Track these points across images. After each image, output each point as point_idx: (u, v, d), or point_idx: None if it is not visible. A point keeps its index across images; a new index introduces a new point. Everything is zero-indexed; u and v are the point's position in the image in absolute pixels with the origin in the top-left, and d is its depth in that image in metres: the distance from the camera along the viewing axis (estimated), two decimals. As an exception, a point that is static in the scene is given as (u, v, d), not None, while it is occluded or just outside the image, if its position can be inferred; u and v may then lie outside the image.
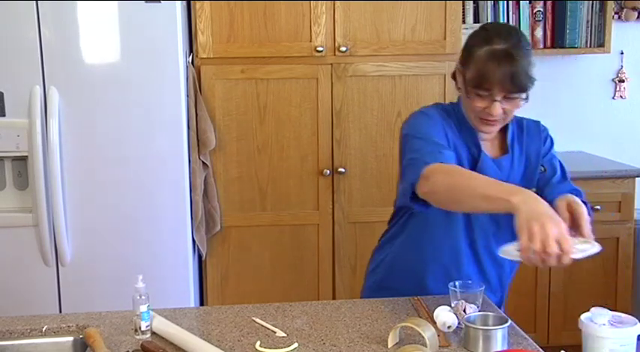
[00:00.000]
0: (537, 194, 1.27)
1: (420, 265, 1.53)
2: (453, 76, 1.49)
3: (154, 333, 1.30)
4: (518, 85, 1.35)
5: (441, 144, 1.39)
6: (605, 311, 1.25)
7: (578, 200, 1.34)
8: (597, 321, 1.23)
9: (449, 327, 1.28)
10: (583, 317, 1.24)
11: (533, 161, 1.54)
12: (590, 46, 2.90)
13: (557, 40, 2.91)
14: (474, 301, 1.34)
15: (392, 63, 2.53)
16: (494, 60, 1.35)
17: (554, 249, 1.10)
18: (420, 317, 1.36)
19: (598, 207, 2.69)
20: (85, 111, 2.25)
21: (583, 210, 1.30)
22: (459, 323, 1.29)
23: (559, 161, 1.57)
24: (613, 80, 3.11)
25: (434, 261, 1.51)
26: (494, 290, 1.55)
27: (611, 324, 1.22)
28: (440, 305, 1.33)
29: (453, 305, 1.34)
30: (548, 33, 2.91)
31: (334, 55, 2.50)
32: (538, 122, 1.58)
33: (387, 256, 1.59)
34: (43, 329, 1.34)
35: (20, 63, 2.20)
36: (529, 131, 1.55)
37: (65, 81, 2.22)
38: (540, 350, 1.24)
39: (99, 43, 2.24)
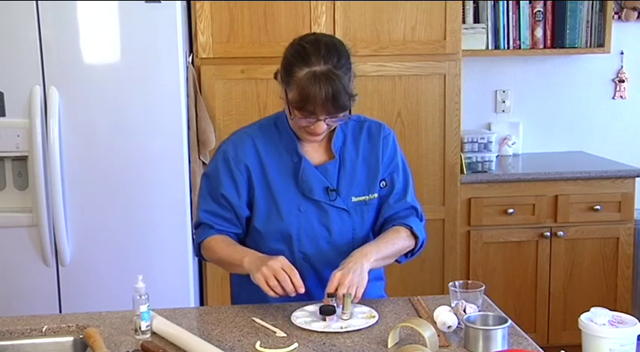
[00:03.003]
0: (376, 207, 1.50)
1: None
2: (275, 77, 1.46)
3: (154, 333, 1.30)
4: (340, 106, 1.35)
5: (208, 216, 1.49)
6: (605, 311, 1.24)
7: (348, 274, 1.33)
8: (597, 321, 1.22)
9: (449, 327, 1.28)
10: (583, 317, 1.24)
11: (374, 166, 1.51)
12: (590, 46, 2.89)
13: (557, 40, 2.90)
14: (474, 301, 1.34)
15: (392, 63, 2.53)
16: (316, 84, 1.33)
17: (281, 274, 1.32)
18: (420, 317, 1.36)
19: (598, 207, 2.69)
20: (85, 111, 2.25)
21: (331, 282, 1.34)
22: (459, 323, 1.29)
23: (403, 172, 1.54)
24: (613, 80, 3.11)
25: None
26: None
27: (611, 324, 1.22)
28: (440, 305, 1.33)
29: (453, 305, 1.34)
30: (548, 33, 2.91)
31: (334, 55, 2.50)
32: (380, 124, 1.55)
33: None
34: (43, 329, 1.34)
35: (20, 63, 2.20)
36: (370, 134, 1.53)
37: (65, 81, 2.22)
38: (540, 350, 1.24)
39: (99, 43, 2.24)
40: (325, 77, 1.33)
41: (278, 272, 1.32)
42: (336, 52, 1.38)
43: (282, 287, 1.32)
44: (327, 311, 1.33)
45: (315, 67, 1.34)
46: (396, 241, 1.47)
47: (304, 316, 1.36)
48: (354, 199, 1.49)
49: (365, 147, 1.51)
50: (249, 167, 1.48)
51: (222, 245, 1.47)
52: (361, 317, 1.35)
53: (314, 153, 1.49)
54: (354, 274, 1.34)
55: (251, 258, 1.40)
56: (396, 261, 1.51)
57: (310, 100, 1.34)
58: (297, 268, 1.42)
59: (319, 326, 1.32)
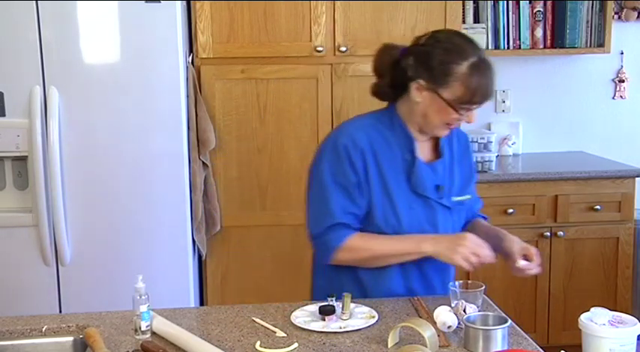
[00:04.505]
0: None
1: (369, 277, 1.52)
2: (375, 93, 1.49)
3: (153, 333, 1.30)
4: (491, 93, 1.40)
5: (342, 214, 1.44)
6: (605, 311, 1.24)
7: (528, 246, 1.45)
8: (597, 321, 1.22)
9: (449, 327, 1.28)
10: (583, 317, 1.24)
11: (467, 168, 1.56)
12: (590, 46, 2.89)
13: (557, 40, 2.90)
14: (474, 301, 1.34)
15: (392, 63, 2.54)
16: (481, 74, 1.36)
17: (479, 250, 1.38)
18: (420, 317, 1.36)
19: (598, 207, 2.69)
20: (84, 111, 2.25)
21: (533, 251, 1.46)
22: (458, 323, 1.29)
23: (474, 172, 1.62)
24: (613, 80, 3.11)
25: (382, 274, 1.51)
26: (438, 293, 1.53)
27: (611, 324, 1.22)
28: (440, 305, 1.32)
29: (453, 305, 1.34)
30: (548, 33, 2.90)
31: (334, 55, 2.50)
32: (461, 130, 1.59)
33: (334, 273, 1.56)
34: (43, 329, 1.34)
35: (20, 63, 2.20)
36: (459, 137, 1.57)
37: (65, 81, 2.22)
38: (540, 350, 1.24)
39: (99, 43, 2.24)
40: (485, 65, 1.37)
41: (475, 249, 1.37)
42: (474, 41, 1.42)
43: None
44: (326, 311, 1.34)
45: (472, 59, 1.36)
46: None
47: (304, 316, 1.36)
48: (454, 199, 1.52)
49: (457, 149, 1.55)
50: (367, 163, 1.45)
51: (376, 240, 1.44)
52: (361, 317, 1.35)
53: (423, 151, 1.51)
54: None
55: (433, 241, 1.41)
56: None
57: (478, 91, 1.36)
58: (402, 266, 1.47)
59: (318, 325, 1.32)
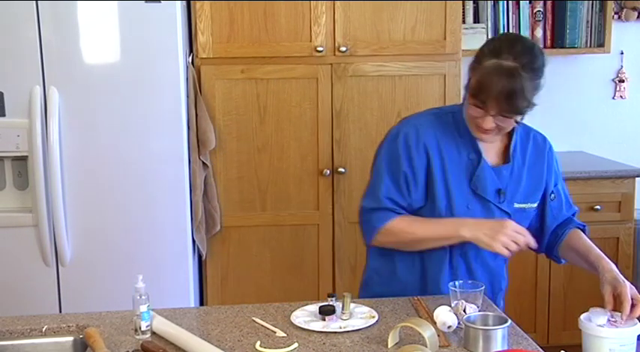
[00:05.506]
0: (539, 216, 1.55)
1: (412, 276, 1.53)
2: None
3: (153, 333, 1.30)
4: (513, 106, 1.34)
5: (387, 201, 1.47)
6: (605, 311, 1.26)
7: (621, 282, 1.35)
8: (597, 321, 1.23)
9: (449, 327, 1.28)
10: (583, 317, 1.25)
11: (537, 177, 1.52)
12: (590, 46, 2.89)
13: (557, 40, 2.90)
14: (474, 301, 1.34)
15: (392, 63, 2.53)
16: (497, 75, 1.33)
17: (519, 237, 1.37)
18: (420, 317, 1.36)
19: (598, 207, 2.69)
20: (84, 111, 2.25)
21: (624, 293, 1.33)
22: (458, 323, 1.29)
23: (562, 181, 1.59)
24: (613, 80, 3.11)
25: (427, 273, 1.52)
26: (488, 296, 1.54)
27: (610, 324, 1.23)
28: (440, 305, 1.32)
29: (453, 305, 1.34)
30: (548, 33, 2.90)
31: (334, 55, 2.50)
32: (544, 137, 1.57)
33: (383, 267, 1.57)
34: (43, 329, 1.34)
35: (20, 63, 2.20)
36: (536, 144, 1.54)
37: (65, 81, 2.22)
38: (540, 350, 1.24)
39: (99, 43, 2.24)
40: (508, 72, 1.32)
41: (515, 237, 1.35)
42: (531, 54, 1.36)
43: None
44: (326, 311, 1.33)
45: (504, 61, 1.33)
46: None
47: (304, 315, 1.36)
48: (516, 205, 1.50)
49: (531, 156, 1.52)
50: (430, 157, 1.46)
51: (416, 224, 1.46)
52: (361, 317, 1.35)
53: (489, 153, 1.48)
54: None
55: (473, 226, 1.39)
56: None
57: (485, 90, 1.33)
58: (452, 263, 1.48)
59: (318, 325, 1.32)
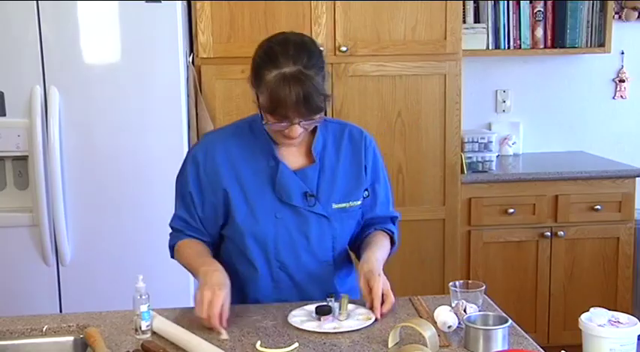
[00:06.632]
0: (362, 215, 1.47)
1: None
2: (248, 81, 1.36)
3: (154, 333, 1.29)
4: (313, 107, 1.29)
5: (177, 221, 1.48)
6: (605, 311, 1.24)
7: (375, 274, 1.33)
8: (597, 321, 1.22)
9: (449, 327, 1.28)
10: (583, 317, 1.24)
11: (356, 173, 1.46)
12: (590, 46, 2.88)
13: (558, 40, 2.89)
14: (475, 301, 1.34)
15: (392, 63, 2.52)
16: (285, 86, 1.26)
17: (202, 310, 1.28)
18: (421, 316, 1.36)
19: (598, 207, 2.69)
20: (85, 110, 2.24)
21: (376, 287, 1.33)
22: (459, 323, 1.28)
23: (384, 181, 1.51)
24: (613, 80, 3.10)
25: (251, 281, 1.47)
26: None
27: (611, 324, 1.22)
28: (440, 305, 1.32)
29: (453, 304, 1.33)
30: (549, 33, 2.90)
31: (334, 54, 2.49)
32: (362, 131, 1.50)
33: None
34: (44, 329, 1.34)
35: (20, 63, 2.20)
36: (352, 139, 1.48)
37: (65, 80, 2.22)
38: (541, 349, 1.23)
39: (99, 43, 2.24)
40: (295, 78, 1.27)
41: (201, 303, 1.28)
42: (305, 51, 1.31)
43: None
44: (322, 311, 1.33)
45: (284, 69, 1.27)
46: (386, 247, 1.47)
47: (301, 315, 1.36)
48: (334, 206, 1.43)
49: (347, 152, 1.46)
50: (221, 175, 1.41)
51: (188, 251, 1.46)
52: (358, 318, 1.34)
53: (291, 157, 1.43)
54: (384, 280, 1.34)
55: (206, 269, 1.34)
56: None
57: (281, 104, 1.27)
58: (273, 278, 1.43)
59: (312, 325, 1.31)
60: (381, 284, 1.34)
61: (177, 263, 1.52)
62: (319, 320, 1.33)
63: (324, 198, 1.43)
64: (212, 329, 1.29)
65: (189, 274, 2.51)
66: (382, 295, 1.34)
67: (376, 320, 1.33)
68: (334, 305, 1.35)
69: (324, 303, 1.35)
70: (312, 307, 1.38)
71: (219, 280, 1.33)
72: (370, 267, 1.35)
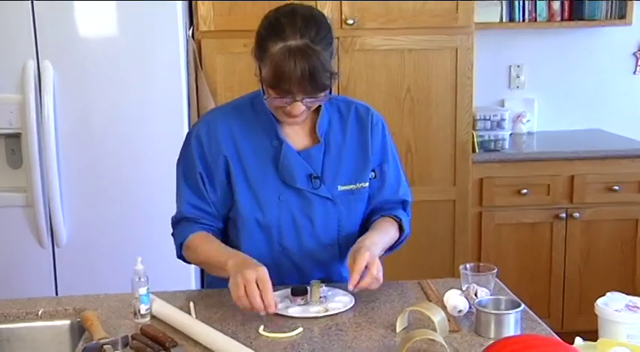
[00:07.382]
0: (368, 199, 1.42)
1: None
2: (251, 53, 1.31)
3: (153, 317, 1.27)
4: (318, 84, 1.24)
5: (189, 209, 1.39)
6: (622, 295, 1.22)
7: (363, 251, 1.27)
8: (613, 306, 1.19)
9: (459, 311, 1.26)
10: (599, 301, 1.21)
11: (363, 153, 1.41)
12: (610, 18, 2.82)
13: (576, 12, 2.83)
14: (486, 284, 1.31)
15: (401, 36, 2.47)
16: (291, 60, 1.21)
17: (251, 286, 1.20)
18: (430, 300, 1.33)
19: (616, 187, 2.65)
20: (80, 86, 2.22)
21: (360, 259, 1.27)
22: (470, 308, 1.26)
23: (394, 162, 1.45)
24: (634, 54, 3.02)
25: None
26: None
27: (629, 309, 1.19)
28: (450, 289, 1.29)
29: (463, 288, 1.31)
30: (566, 4, 2.83)
31: (341, 28, 2.43)
32: (369, 108, 1.45)
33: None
34: (39, 313, 1.32)
35: (12, 36, 2.17)
36: (358, 117, 1.43)
37: (60, 54, 2.19)
38: (555, 335, 1.20)
39: (95, 16, 2.20)
40: (301, 52, 1.22)
41: (249, 284, 1.20)
42: (314, 24, 1.26)
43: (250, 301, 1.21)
44: (298, 291, 1.29)
45: (291, 41, 1.23)
46: (390, 233, 1.41)
47: (280, 302, 1.30)
48: (340, 188, 1.39)
49: (353, 131, 1.41)
50: (224, 153, 1.37)
51: (205, 245, 1.36)
52: (337, 300, 1.31)
53: (296, 136, 1.38)
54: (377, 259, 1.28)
55: (235, 260, 1.28)
56: None
57: (285, 78, 1.23)
58: (275, 262, 1.37)
59: (296, 311, 1.27)
60: (367, 258, 1.27)
61: (191, 260, 1.42)
62: (300, 305, 1.29)
63: (329, 179, 1.39)
64: (254, 309, 1.21)
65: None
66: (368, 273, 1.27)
67: (354, 296, 1.30)
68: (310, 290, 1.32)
69: (299, 286, 1.31)
70: (286, 291, 1.33)
71: (253, 261, 1.27)
72: (361, 245, 1.31)
